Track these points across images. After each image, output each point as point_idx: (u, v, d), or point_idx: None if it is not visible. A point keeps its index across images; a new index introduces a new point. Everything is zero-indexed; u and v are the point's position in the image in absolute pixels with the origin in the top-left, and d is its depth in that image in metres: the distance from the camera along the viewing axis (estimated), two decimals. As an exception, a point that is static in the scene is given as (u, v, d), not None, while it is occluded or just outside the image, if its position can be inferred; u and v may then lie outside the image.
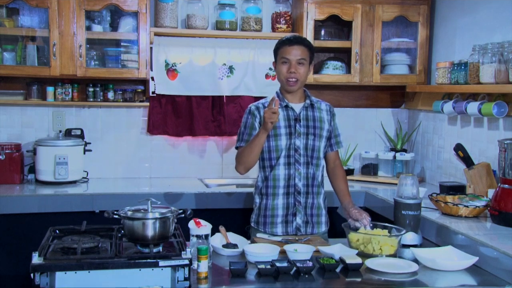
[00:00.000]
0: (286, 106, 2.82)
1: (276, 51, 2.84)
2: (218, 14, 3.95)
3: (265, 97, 2.98)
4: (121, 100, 3.89)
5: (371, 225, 2.63)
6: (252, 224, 2.90)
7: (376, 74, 3.98)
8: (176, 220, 2.31)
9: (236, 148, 2.88)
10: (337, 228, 3.11)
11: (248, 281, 2.12)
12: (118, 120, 4.00)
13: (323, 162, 2.90)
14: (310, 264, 2.18)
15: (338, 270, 2.23)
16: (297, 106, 2.84)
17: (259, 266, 2.15)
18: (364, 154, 4.18)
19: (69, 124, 3.90)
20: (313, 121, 2.84)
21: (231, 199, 3.51)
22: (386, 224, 2.57)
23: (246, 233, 2.90)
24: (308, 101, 2.86)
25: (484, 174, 3.11)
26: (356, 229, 2.60)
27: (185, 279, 2.11)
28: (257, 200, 2.89)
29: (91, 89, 3.83)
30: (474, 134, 3.47)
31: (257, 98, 3.80)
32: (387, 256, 2.38)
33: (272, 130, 2.75)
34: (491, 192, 2.88)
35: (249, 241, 2.61)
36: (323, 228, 2.91)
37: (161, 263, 2.10)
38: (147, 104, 3.93)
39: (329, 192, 3.02)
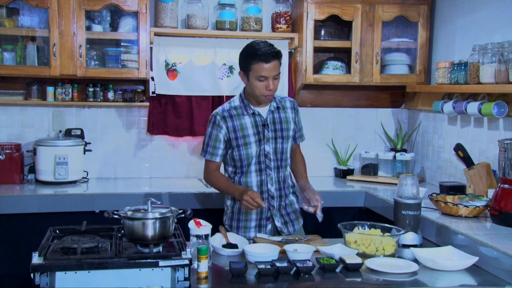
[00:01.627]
0: (253, 113, 2.79)
1: (248, 65, 2.67)
2: (218, 14, 3.95)
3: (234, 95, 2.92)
4: (121, 100, 3.89)
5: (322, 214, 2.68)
6: (226, 226, 2.87)
7: (376, 74, 3.98)
8: (176, 220, 2.31)
9: (202, 156, 2.84)
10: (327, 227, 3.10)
11: (248, 281, 2.12)
12: (118, 120, 4.00)
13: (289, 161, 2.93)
14: (310, 264, 2.18)
15: (338, 270, 2.23)
16: (263, 110, 2.81)
17: (259, 266, 2.15)
18: (364, 154, 4.18)
19: (69, 124, 3.90)
20: (280, 124, 2.83)
21: (231, 199, 3.51)
22: (386, 225, 2.57)
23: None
24: (274, 104, 2.82)
25: (484, 174, 3.11)
26: (317, 216, 2.66)
27: (185, 279, 2.11)
28: (229, 202, 2.88)
29: (91, 89, 3.83)
30: (474, 134, 3.47)
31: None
32: (387, 256, 2.38)
33: (241, 139, 2.76)
34: (491, 192, 2.87)
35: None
36: (301, 221, 2.96)
37: (161, 263, 2.10)
38: (147, 104, 3.92)
39: None
